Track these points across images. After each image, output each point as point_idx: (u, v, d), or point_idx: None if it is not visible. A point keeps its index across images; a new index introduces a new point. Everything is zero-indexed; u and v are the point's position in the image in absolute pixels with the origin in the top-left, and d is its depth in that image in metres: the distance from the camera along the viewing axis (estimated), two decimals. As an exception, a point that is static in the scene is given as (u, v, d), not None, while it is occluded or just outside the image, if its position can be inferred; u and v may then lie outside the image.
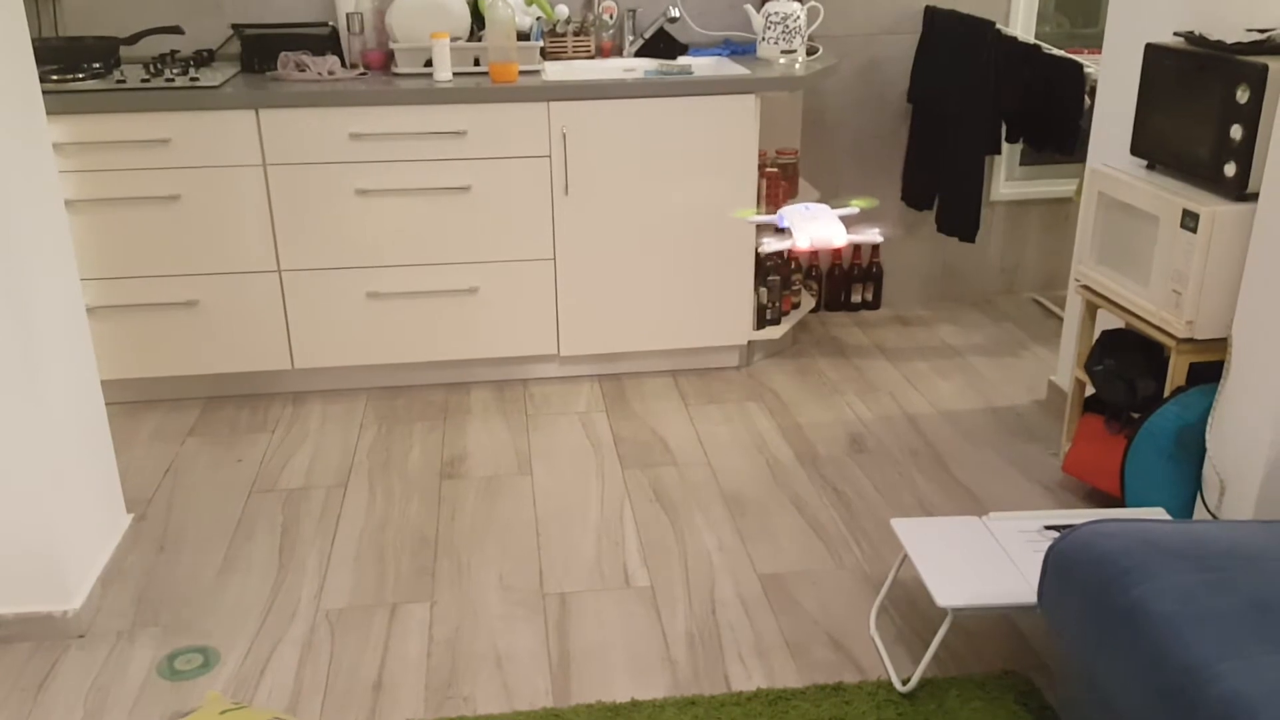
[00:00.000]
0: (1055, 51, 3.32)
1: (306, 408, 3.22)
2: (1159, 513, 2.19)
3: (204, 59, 3.29)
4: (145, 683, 2.08)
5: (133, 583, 2.39)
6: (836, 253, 3.90)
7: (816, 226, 1.71)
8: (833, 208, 1.79)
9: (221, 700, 1.92)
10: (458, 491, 2.75)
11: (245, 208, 3.05)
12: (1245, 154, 2.19)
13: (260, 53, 3.21)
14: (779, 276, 3.44)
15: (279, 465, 2.89)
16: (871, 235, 1.82)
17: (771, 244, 1.76)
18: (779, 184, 3.31)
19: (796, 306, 3.63)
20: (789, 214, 1.79)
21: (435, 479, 2.81)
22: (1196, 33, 2.39)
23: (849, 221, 1.75)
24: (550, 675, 2.09)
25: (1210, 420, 2.26)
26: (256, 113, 2.96)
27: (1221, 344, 2.29)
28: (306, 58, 3.12)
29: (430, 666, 2.12)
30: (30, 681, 2.08)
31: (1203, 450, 2.30)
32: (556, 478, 2.81)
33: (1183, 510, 2.36)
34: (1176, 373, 2.36)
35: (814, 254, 3.84)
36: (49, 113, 2.82)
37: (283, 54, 3.14)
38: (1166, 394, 2.38)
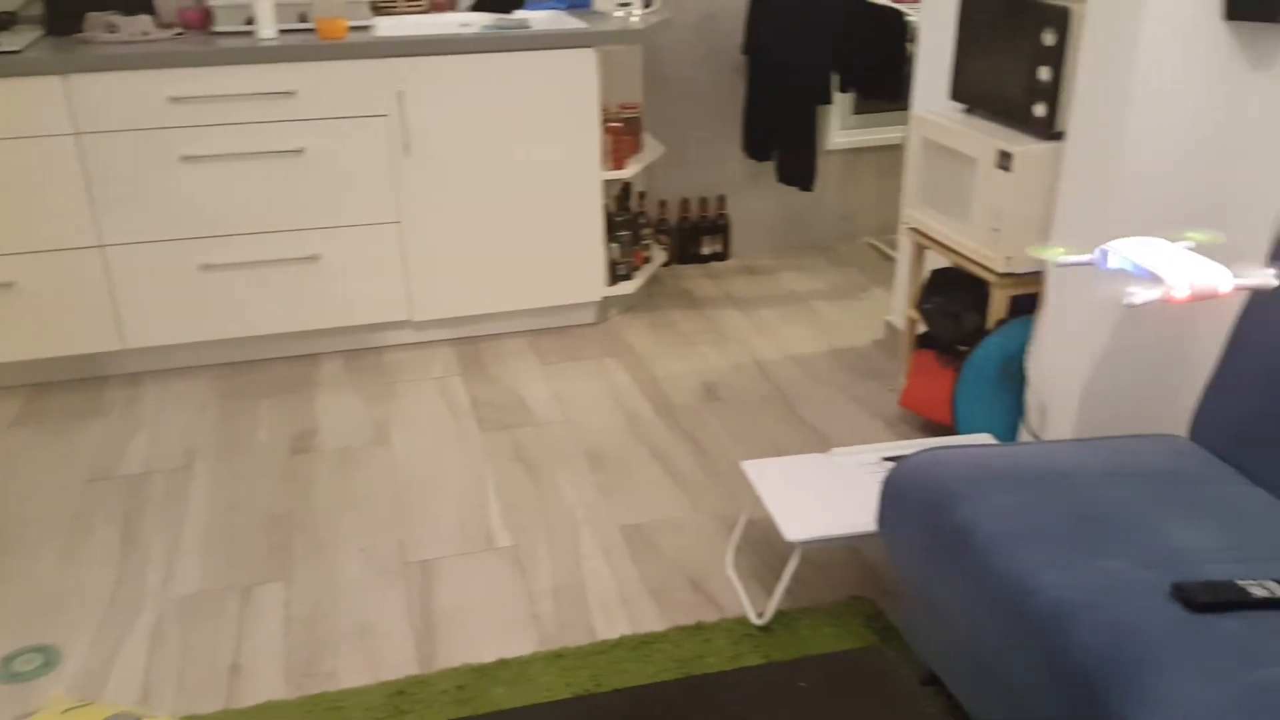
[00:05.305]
0: (878, 0, 3.42)
1: (143, 389, 3.07)
2: (986, 438, 2.32)
3: (3, 22, 3.05)
4: (-20, 688, 1.97)
5: (-41, 585, 2.25)
6: (685, 207, 3.94)
7: (1192, 270, 1.33)
8: (1167, 240, 1.40)
9: (64, 700, 1.83)
10: (310, 466, 2.69)
11: (58, 179, 2.86)
12: (1053, 94, 2.32)
13: (65, 14, 3.00)
14: (629, 232, 3.46)
15: (116, 451, 2.75)
16: (1266, 279, 1.39)
17: (1141, 295, 1.34)
18: (623, 138, 3.32)
19: (648, 261, 3.66)
20: (1128, 254, 1.38)
21: (285, 455, 2.74)
22: (1006, -19, 2.50)
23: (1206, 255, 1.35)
24: (415, 643, 2.08)
25: (1030, 349, 2.40)
26: (65, 78, 2.78)
27: (1038, 277, 2.43)
28: (116, 18, 2.93)
29: (289, 645, 2.08)
30: None
31: (1024, 378, 2.45)
32: (415, 446, 2.78)
33: (1009, 435, 2.52)
34: (998, 306, 2.50)
35: (665, 208, 3.88)
36: None
37: (90, 15, 2.94)
38: (990, 326, 2.52)
